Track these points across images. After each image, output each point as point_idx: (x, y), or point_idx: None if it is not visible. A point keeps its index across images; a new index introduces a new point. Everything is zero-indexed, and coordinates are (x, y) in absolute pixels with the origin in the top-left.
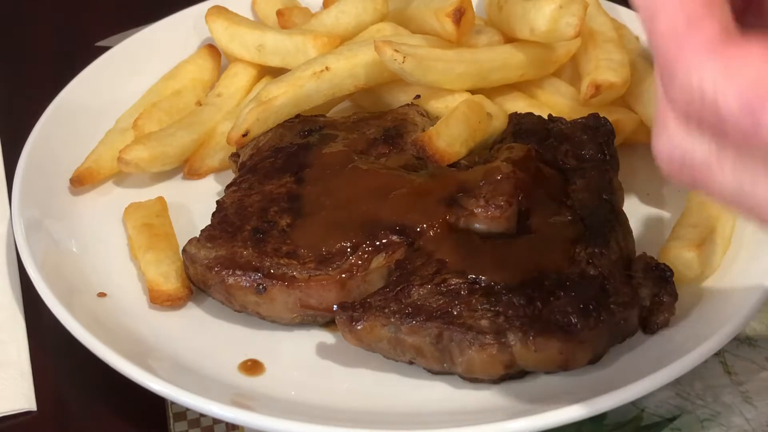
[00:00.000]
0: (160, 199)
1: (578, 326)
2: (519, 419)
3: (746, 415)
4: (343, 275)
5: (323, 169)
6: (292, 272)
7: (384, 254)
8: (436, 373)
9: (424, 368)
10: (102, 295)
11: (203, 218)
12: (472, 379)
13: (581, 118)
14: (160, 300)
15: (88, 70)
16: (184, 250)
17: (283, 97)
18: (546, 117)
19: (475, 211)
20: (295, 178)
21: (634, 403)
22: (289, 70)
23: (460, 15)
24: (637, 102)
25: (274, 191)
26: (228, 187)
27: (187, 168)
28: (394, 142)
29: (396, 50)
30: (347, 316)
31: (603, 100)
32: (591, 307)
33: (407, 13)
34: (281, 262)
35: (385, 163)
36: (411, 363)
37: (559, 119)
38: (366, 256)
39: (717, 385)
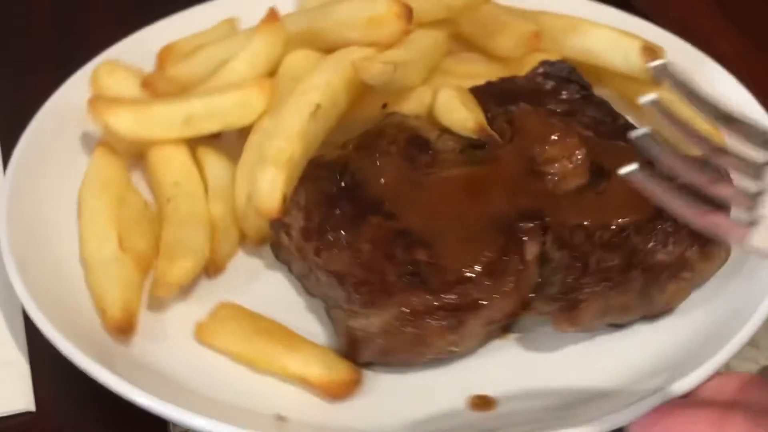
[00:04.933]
0: None
1: None
2: None
3: None
4: (515, 278)
5: (400, 197)
6: (473, 295)
7: (530, 242)
8: (621, 326)
9: (611, 326)
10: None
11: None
12: (661, 314)
13: (533, 69)
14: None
15: (79, 74)
16: (349, 327)
17: (299, 148)
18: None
19: (564, 170)
20: (383, 216)
21: None
22: (231, 131)
23: (410, 12)
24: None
25: (376, 236)
26: (314, 254)
27: (210, 269)
28: (423, 148)
29: (383, 63)
30: (559, 307)
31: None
32: None
33: (313, 32)
34: (456, 291)
35: (443, 166)
36: (610, 326)
37: (512, 78)
38: (519, 251)
39: None
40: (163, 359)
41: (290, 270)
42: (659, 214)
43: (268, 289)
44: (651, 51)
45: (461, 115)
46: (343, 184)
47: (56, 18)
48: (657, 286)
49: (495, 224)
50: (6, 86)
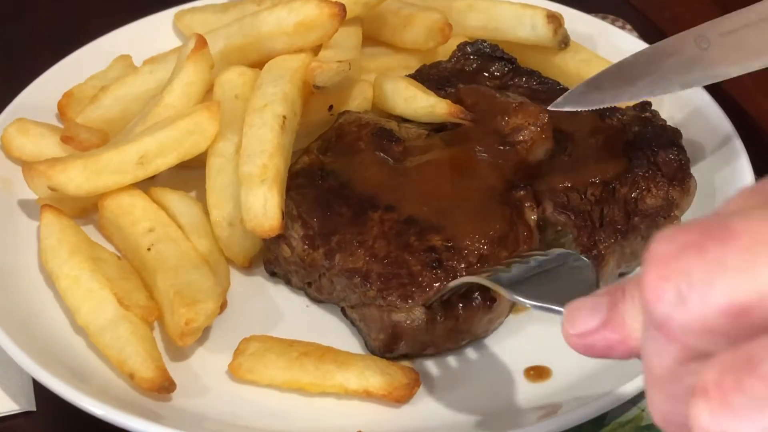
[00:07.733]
0: None
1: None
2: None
3: None
4: (526, 246)
5: (392, 188)
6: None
7: (528, 209)
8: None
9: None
10: None
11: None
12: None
13: (454, 52)
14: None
15: (44, 76)
16: (397, 325)
17: (280, 161)
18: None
19: (533, 136)
20: (382, 209)
21: (634, 403)
22: (188, 161)
23: (343, 10)
24: None
25: (384, 230)
26: (325, 258)
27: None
28: (391, 138)
29: (338, 63)
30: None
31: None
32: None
33: (238, 48)
34: (483, 270)
35: (418, 153)
36: (621, 275)
37: (438, 63)
38: (522, 219)
39: None
40: (208, 408)
41: (288, 282)
42: (631, 163)
43: (271, 310)
44: (555, 18)
45: (425, 102)
46: (327, 186)
47: (56, 17)
48: (655, 228)
49: (491, 198)
50: (5, 86)
